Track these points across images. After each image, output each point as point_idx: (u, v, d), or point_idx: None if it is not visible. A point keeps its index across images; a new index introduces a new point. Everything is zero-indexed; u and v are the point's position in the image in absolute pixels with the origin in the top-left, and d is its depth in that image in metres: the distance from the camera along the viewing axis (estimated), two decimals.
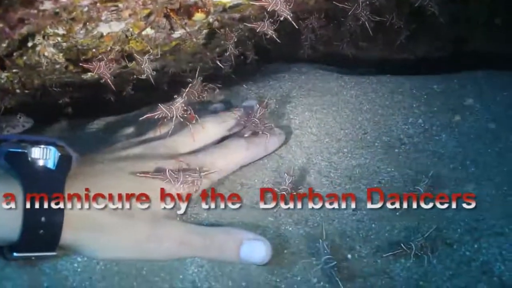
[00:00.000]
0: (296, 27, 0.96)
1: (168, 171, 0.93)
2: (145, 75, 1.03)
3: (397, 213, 0.98)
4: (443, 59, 1.34)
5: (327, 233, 0.96)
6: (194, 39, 1.09)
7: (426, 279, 0.91)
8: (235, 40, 1.16)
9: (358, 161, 1.07)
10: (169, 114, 0.99)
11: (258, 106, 1.05)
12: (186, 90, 1.03)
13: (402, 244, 0.92)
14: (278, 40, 0.97)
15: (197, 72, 1.08)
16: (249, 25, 1.00)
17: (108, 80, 0.98)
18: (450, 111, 1.15)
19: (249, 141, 1.06)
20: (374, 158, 1.07)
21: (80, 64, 0.99)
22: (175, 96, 1.02)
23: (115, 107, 1.22)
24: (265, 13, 0.95)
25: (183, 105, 1.00)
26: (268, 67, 1.31)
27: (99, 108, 1.22)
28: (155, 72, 1.06)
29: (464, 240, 0.95)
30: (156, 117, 0.99)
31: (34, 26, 0.88)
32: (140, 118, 1.00)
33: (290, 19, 0.91)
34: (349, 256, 0.94)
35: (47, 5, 0.82)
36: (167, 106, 0.99)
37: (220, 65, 1.19)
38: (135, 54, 1.03)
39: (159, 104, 0.99)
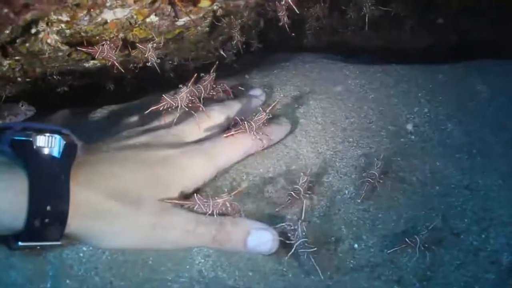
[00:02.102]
0: (297, 12, 0.94)
1: (197, 196, 0.92)
2: (149, 63, 1.02)
3: (404, 203, 0.98)
4: (448, 48, 1.33)
5: (334, 223, 0.96)
6: (199, 28, 1.08)
7: (434, 269, 0.91)
8: (239, 28, 1.15)
9: (364, 151, 1.06)
10: (174, 105, 0.98)
11: (261, 110, 1.03)
12: (191, 80, 1.02)
13: (406, 239, 0.92)
14: (287, 29, 0.96)
15: (213, 68, 1.07)
16: (268, 9, 0.98)
17: (116, 63, 0.97)
18: (456, 100, 1.14)
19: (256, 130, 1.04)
20: (380, 147, 1.06)
21: (79, 48, 0.98)
22: (180, 85, 1.01)
23: (119, 95, 1.21)
24: None
25: (188, 94, 1.00)
26: (272, 56, 1.30)
27: (103, 96, 1.21)
28: (159, 60, 1.05)
29: (472, 230, 0.95)
30: (161, 108, 0.98)
31: (39, 12, 0.86)
32: (145, 112, 0.99)
33: (291, 3, 0.90)
34: (356, 245, 0.94)
35: None
36: (172, 96, 0.98)
37: (223, 54, 1.18)
38: (137, 44, 1.02)
39: (163, 95, 0.98)
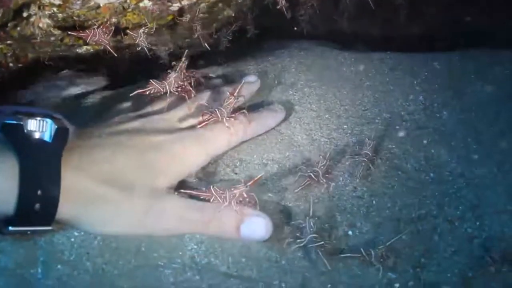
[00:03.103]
0: None
1: (214, 187, 0.90)
2: (139, 48, 1.01)
3: (398, 190, 0.97)
4: (443, 36, 1.32)
5: (329, 210, 0.95)
6: (193, 13, 1.07)
7: (428, 256, 0.90)
8: (233, 15, 1.14)
9: (358, 138, 1.05)
10: (162, 90, 0.97)
11: (228, 94, 1.01)
12: (180, 64, 1.01)
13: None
14: (286, 12, 0.95)
15: (184, 54, 1.04)
16: None
17: (108, 47, 0.96)
18: (451, 88, 1.14)
19: (250, 117, 1.04)
20: (375, 135, 1.05)
21: (70, 32, 0.96)
22: (168, 71, 1.01)
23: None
24: None
25: (178, 80, 0.99)
26: (268, 43, 1.29)
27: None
28: (150, 46, 1.03)
29: (466, 218, 0.94)
30: (147, 92, 0.97)
31: None
32: (131, 94, 0.98)
33: None
34: (350, 232, 0.93)
35: None
36: (160, 82, 0.97)
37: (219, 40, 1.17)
38: (128, 30, 1.01)
39: (151, 80, 0.97)
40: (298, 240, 0.90)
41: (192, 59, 1.11)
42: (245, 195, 0.91)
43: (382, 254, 0.89)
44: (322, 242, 0.89)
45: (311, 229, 0.90)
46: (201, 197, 0.91)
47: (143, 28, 1.00)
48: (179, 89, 1.01)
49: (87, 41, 0.96)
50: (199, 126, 0.98)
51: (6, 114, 0.86)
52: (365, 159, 0.99)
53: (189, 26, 1.13)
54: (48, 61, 1.08)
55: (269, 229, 0.91)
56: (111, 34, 0.98)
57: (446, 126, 1.07)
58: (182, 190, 0.92)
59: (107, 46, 0.96)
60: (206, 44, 1.09)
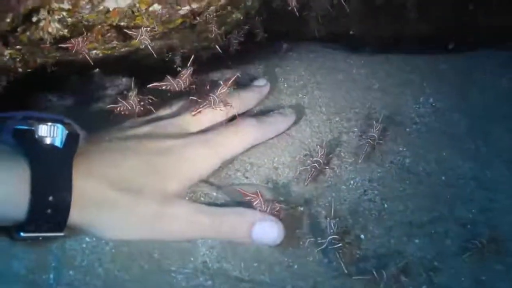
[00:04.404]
0: None
1: (259, 193, 0.92)
2: (143, 46, 1.00)
3: (410, 193, 0.97)
4: (453, 37, 1.32)
5: (340, 214, 0.95)
6: (202, 17, 1.06)
7: (441, 259, 0.90)
8: (241, 18, 1.14)
9: (369, 141, 1.04)
10: (176, 87, 0.98)
11: (221, 82, 1.02)
12: (190, 60, 1.01)
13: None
14: (297, 14, 0.94)
15: (190, 61, 1.04)
16: None
17: (86, 56, 0.96)
18: (460, 90, 1.14)
19: (260, 121, 1.04)
20: (385, 137, 1.05)
21: (60, 45, 0.95)
22: (179, 69, 1.02)
23: None
24: None
25: (190, 78, 0.99)
26: (276, 46, 1.29)
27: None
28: (153, 44, 1.03)
29: (478, 220, 0.94)
30: (164, 87, 0.98)
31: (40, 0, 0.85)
32: (148, 85, 0.99)
33: None
34: (362, 236, 0.93)
35: None
36: (175, 79, 0.98)
37: (229, 42, 1.17)
38: (125, 30, 1.00)
39: (167, 76, 0.98)
40: (318, 240, 0.90)
41: (202, 62, 1.11)
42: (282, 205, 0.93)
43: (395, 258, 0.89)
44: (341, 244, 0.89)
45: (331, 231, 0.90)
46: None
47: (144, 27, 0.99)
48: (192, 89, 1.01)
49: (73, 51, 0.96)
50: (192, 113, 0.99)
51: (18, 119, 0.86)
52: (370, 140, 1.01)
53: (198, 29, 1.13)
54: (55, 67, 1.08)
55: (281, 233, 0.91)
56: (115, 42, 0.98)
57: (456, 129, 1.07)
58: (235, 187, 0.95)
59: (86, 55, 0.96)
60: (218, 47, 1.09)
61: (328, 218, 0.92)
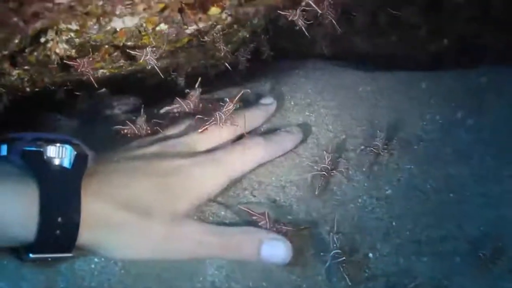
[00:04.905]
0: (320, 11, 0.92)
1: (267, 214, 0.93)
2: (149, 67, 1.00)
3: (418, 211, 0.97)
4: (457, 55, 1.32)
5: (347, 232, 0.95)
6: (208, 36, 1.07)
7: (450, 278, 0.89)
8: (247, 36, 1.14)
9: (377, 159, 1.04)
10: (186, 108, 0.98)
11: (227, 100, 1.02)
12: (198, 82, 1.02)
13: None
14: (307, 34, 0.94)
15: (197, 83, 1.06)
16: (282, 12, 0.97)
17: (91, 78, 0.97)
18: (468, 106, 1.13)
19: (267, 139, 1.04)
20: (393, 155, 1.05)
21: (65, 61, 0.96)
22: (187, 90, 1.03)
23: None
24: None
25: (198, 98, 1.01)
26: (282, 63, 1.29)
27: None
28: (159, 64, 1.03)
29: (488, 238, 0.93)
30: (175, 110, 0.98)
31: (48, 21, 0.85)
32: (161, 111, 1.01)
33: (311, 3, 0.88)
34: (371, 254, 0.93)
35: None
36: (184, 100, 0.99)
37: (237, 60, 1.17)
38: (128, 50, 1.00)
39: (176, 98, 0.99)
40: (321, 254, 0.91)
41: (208, 80, 1.11)
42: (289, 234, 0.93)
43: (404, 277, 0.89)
44: (344, 258, 0.88)
45: (335, 245, 0.90)
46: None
47: (150, 46, 1.00)
48: (199, 109, 1.03)
49: (78, 70, 0.96)
50: (199, 131, 0.99)
51: (27, 140, 0.86)
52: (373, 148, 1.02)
53: (204, 48, 1.13)
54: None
55: (289, 252, 0.90)
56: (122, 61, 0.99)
57: (464, 145, 1.06)
58: (242, 207, 0.95)
59: (90, 77, 0.97)
60: (227, 64, 1.10)
61: (331, 233, 0.92)
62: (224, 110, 1.00)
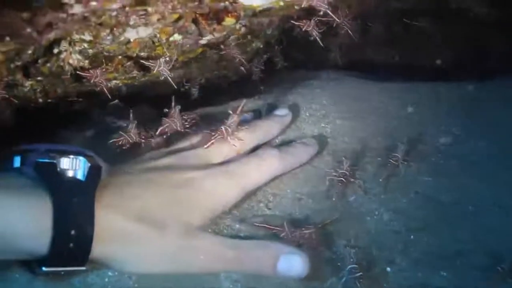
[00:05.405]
0: (338, 20, 0.91)
1: (287, 224, 0.91)
2: (162, 77, 0.99)
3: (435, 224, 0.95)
4: (474, 65, 1.31)
5: (364, 246, 0.93)
6: (222, 46, 1.06)
7: None
8: (261, 46, 1.14)
9: (393, 171, 1.03)
10: (174, 126, 1.00)
11: (230, 112, 1.01)
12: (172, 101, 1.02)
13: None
14: (322, 44, 0.93)
15: (173, 101, 1.04)
16: (296, 23, 0.96)
17: (104, 88, 0.96)
18: (486, 118, 1.12)
19: (282, 151, 1.02)
20: (410, 168, 1.03)
21: (78, 72, 0.96)
22: (165, 110, 1.03)
23: None
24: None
25: (179, 116, 1.02)
26: (296, 74, 1.28)
27: None
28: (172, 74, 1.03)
29: (507, 251, 0.91)
30: (167, 130, 1.00)
31: (62, 32, 0.85)
32: (157, 133, 1.01)
33: (329, 13, 0.87)
34: (388, 269, 0.91)
35: (77, 9, 0.78)
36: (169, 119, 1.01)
37: (251, 70, 1.17)
38: (142, 61, 0.99)
39: (163, 118, 1.01)
40: (338, 269, 0.89)
41: (221, 91, 1.10)
42: (314, 236, 0.91)
43: None
44: (361, 273, 0.87)
45: (351, 260, 0.88)
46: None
47: (163, 57, 0.99)
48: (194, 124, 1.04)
49: (91, 81, 0.96)
50: (205, 146, 0.98)
51: (40, 152, 0.85)
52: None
53: (218, 58, 1.13)
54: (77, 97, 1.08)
55: (306, 266, 0.89)
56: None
57: (481, 157, 1.05)
58: (256, 224, 0.94)
59: (104, 88, 0.96)
60: (242, 68, 1.10)
61: (348, 247, 0.91)
62: (228, 123, 0.99)
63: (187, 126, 1.03)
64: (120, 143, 1.00)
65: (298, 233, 0.91)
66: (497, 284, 0.87)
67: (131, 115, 1.01)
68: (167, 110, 1.02)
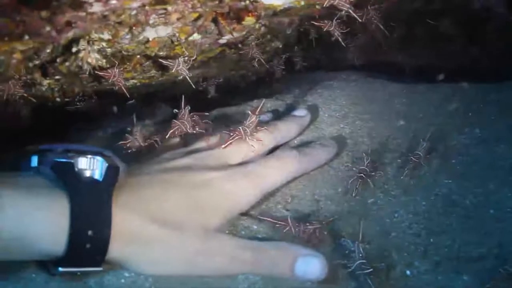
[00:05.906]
0: (360, 20, 0.90)
1: (291, 219, 0.91)
2: (181, 77, 0.99)
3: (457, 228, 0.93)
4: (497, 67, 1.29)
5: (384, 248, 0.92)
6: (241, 45, 1.05)
7: None
8: (280, 46, 1.13)
9: (414, 173, 1.02)
10: (183, 128, 0.99)
11: (249, 112, 1.00)
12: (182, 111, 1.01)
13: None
14: (343, 44, 0.92)
15: (182, 101, 1.03)
16: (316, 23, 0.95)
17: (123, 88, 0.96)
18: (507, 120, 1.10)
19: (301, 152, 1.02)
20: (431, 169, 1.02)
21: (97, 72, 0.95)
22: (175, 110, 1.01)
23: None
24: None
25: (189, 116, 1.00)
26: (315, 74, 1.27)
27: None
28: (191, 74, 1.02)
29: None
30: (177, 132, 0.99)
31: (81, 30, 0.84)
32: (166, 136, 1.00)
33: (352, 12, 0.86)
34: (408, 272, 0.89)
35: (96, 8, 0.78)
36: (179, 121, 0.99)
37: (272, 69, 1.16)
38: (160, 60, 0.98)
39: (173, 120, 0.99)
40: (357, 272, 0.88)
41: (239, 92, 1.09)
42: (318, 233, 0.90)
43: None
44: (371, 269, 0.86)
45: (360, 255, 0.87)
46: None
47: (182, 57, 0.98)
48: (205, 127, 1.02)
49: (109, 80, 0.95)
50: (223, 147, 0.98)
51: (57, 152, 0.85)
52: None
53: (236, 58, 1.12)
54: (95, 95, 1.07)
55: (324, 268, 0.88)
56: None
57: (504, 160, 1.03)
58: (261, 217, 0.93)
59: (122, 87, 0.96)
60: (265, 64, 1.09)
61: (356, 242, 0.89)
62: (247, 123, 0.98)
63: (197, 128, 1.02)
64: (128, 145, 1.00)
65: (301, 227, 0.90)
66: None
67: (134, 119, 1.01)
68: (176, 111, 1.01)
